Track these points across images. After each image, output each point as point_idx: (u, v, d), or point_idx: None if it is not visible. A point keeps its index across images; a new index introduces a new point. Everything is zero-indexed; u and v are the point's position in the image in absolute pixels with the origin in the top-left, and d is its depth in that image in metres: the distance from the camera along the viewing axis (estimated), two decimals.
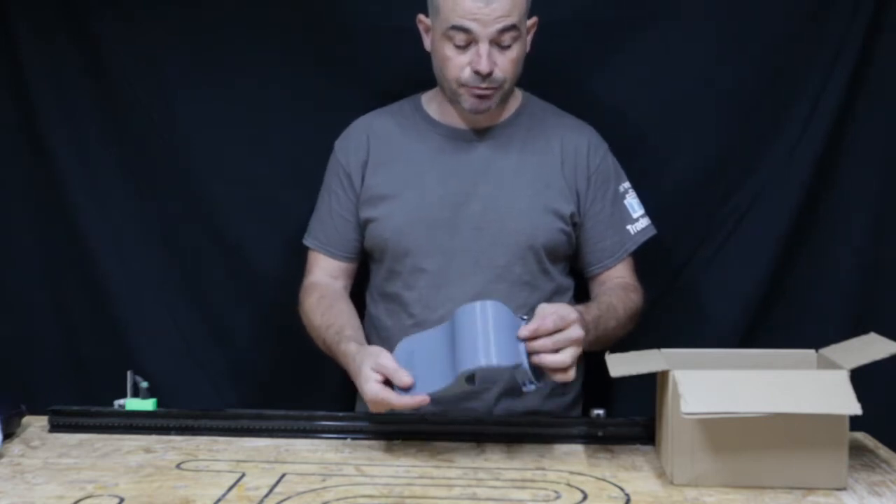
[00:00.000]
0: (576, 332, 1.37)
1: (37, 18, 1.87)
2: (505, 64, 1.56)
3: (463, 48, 1.55)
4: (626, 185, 1.72)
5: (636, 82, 1.84)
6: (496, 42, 1.54)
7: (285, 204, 1.86)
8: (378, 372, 1.37)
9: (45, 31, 1.87)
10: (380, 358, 1.38)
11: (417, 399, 1.34)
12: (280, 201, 1.88)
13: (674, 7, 1.82)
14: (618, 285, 1.67)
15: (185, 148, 1.90)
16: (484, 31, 1.52)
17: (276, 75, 1.88)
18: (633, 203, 1.71)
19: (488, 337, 1.31)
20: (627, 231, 1.70)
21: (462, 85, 1.57)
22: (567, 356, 1.35)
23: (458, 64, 1.56)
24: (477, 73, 1.54)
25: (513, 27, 1.54)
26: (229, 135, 1.89)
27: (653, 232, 1.72)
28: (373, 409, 1.40)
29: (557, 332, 1.35)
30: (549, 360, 1.34)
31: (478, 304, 1.34)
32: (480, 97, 1.58)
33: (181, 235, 1.93)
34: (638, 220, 1.71)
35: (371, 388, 1.36)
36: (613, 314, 1.58)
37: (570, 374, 1.36)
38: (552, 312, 1.36)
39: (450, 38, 1.55)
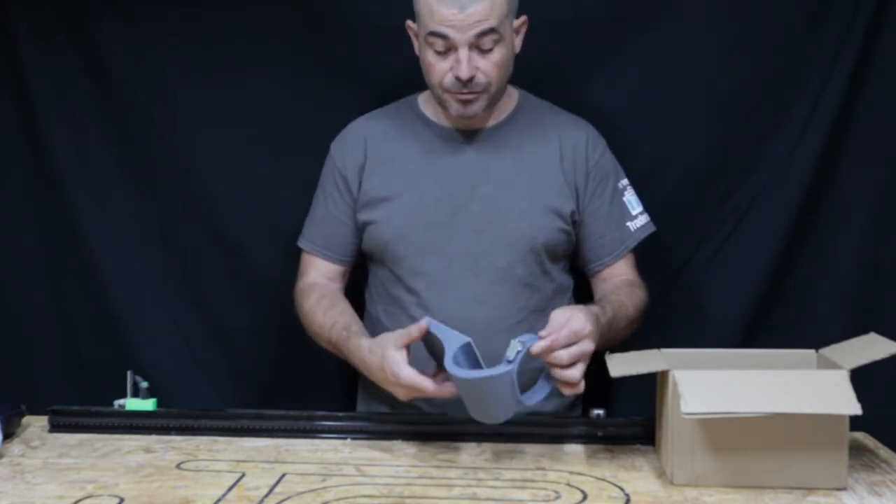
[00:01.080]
0: (588, 346, 1.37)
1: (37, 18, 1.87)
2: (488, 67, 1.55)
3: (443, 54, 1.54)
4: (625, 181, 1.71)
5: (637, 82, 1.84)
6: (476, 46, 1.53)
7: (285, 204, 1.86)
8: (401, 346, 1.38)
9: (45, 31, 1.88)
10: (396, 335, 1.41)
11: (449, 390, 1.36)
12: (280, 201, 1.88)
13: (674, 8, 1.81)
14: (624, 282, 1.67)
15: (185, 148, 1.90)
16: (461, 37, 1.51)
17: (276, 75, 1.88)
18: (631, 200, 1.71)
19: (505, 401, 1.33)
20: (627, 228, 1.69)
21: (446, 91, 1.57)
22: (578, 371, 1.35)
23: (440, 70, 1.56)
24: (458, 79, 1.54)
25: (491, 30, 1.52)
26: (229, 135, 1.89)
27: (652, 229, 1.72)
28: (403, 397, 1.41)
29: (571, 345, 1.35)
30: (561, 374, 1.35)
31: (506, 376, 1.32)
32: (465, 102, 1.57)
33: (181, 235, 1.93)
34: (637, 217, 1.70)
35: (407, 373, 1.38)
36: (625, 313, 1.58)
37: (580, 387, 1.37)
38: (565, 326, 1.36)
39: (430, 45, 1.55)
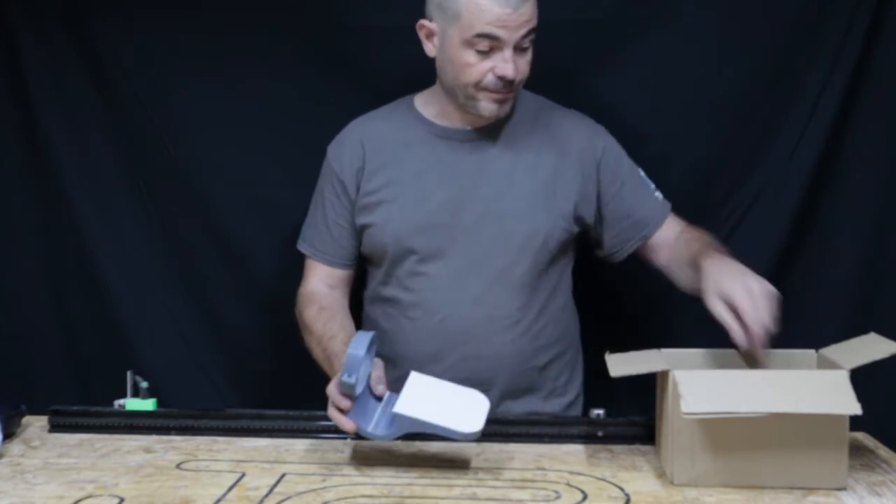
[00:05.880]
0: (764, 291, 1.38)
1: (37, 18, 1.87)
2: (523, 66, 1.56)
3: (485, 53, 1.53)
4: (633, 163, 1.70)
5: (636, 82, 1.84)
6: (518, 46, 1.53)
7: (285, 204, 1.86)
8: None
9: (45, 31, 1.88)
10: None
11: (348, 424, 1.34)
12: (279, 201, 1.88)
13: (674, 8, 1.81)
14: (686, 236, 1.64)
15: (184, 148, 1.90)
16: (511, 37, 1.51)
17: (276, 75, 1.88)
18: (646, 178, 1.69)
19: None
20: (656, 198, 1.68)
21: (482, 89, 1.55)
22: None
23: (479, 70, 1.54)
24: (501, 78, 1.53)
25: (533, 30, 1.53)
26: (229, 135, 1.90)
27: (669, 205, 1.69)
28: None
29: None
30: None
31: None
32: (500, 101, 1.56)
33: (181, 235, 1.93)
34: (657, 191, 1.69)
35: (328, 412, 1.37)
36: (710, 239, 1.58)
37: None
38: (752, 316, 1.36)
39: (472, 45, 1.52)
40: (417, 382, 1.39)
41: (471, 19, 1.51)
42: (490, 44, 1.51)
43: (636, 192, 1.67)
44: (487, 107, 1.57)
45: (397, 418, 1.32)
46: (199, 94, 1.89)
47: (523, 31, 1.51)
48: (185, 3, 1.87)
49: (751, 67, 1.81)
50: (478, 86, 1.55)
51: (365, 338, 1.35)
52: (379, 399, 1.39)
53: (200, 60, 1.89)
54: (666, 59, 1.82)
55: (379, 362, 1.42)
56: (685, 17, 1.81)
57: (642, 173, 1.69)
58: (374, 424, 1.35)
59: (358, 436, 1.40)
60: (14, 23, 1.88)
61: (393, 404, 1.34)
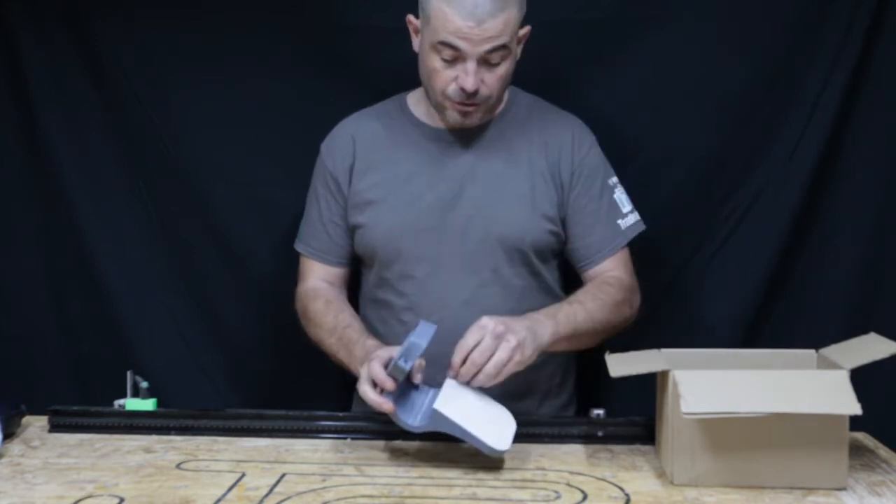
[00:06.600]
0: (490, 324, 1.38)
1: (37, 18, 1.87)
2: (492, 81, 1.54)
3: (450, 62, 1.52)
4: (615, 179, 1.69)
5: (636, 82, 1.83)
6: (485, 60, 1.51)
7: (284, 204, 1.86)
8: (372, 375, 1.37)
9: (45, 31, 1.88)
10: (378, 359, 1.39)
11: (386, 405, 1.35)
12: (279, 201, 1.88)
13: (674, 8, 1.81)
14: (595, 281, 1.64)
15: (184, 148, 1.90)
16: (473, 50, 1.50)
17: (276, 75, 1.88)
18: (622, 198, 1.68)
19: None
20: (618, 226, 1.66)
21: (447, 98, 1.55)
22: (498, 360, 1.37)
23: (444, 77, 1.54)
24: (462, 89, 1.52)
25: (503, 47, 1.51)
26: (229, 135, 1.89)
27: (642, 227, 1.70)
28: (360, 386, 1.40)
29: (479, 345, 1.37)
30: (484, 376, 1.37)
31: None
32: (463, 113, 1.56)
33: (181, 235, 1.93)
34: (628, 216, 1.68)
35: (375, 364, 1.38)
36: (582, 309, 1.55)
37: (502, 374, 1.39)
38: (460, 346, 1.38)
39: (437, 52, 1.52)
40: (456, 384, 1.40)
41: (436, 25, 1.51)
42: (453, 53, 1.51)
43: (597, 217, 1.65)
44: (452, 115, 1.57)
45: (435, 415, 1.32)
46: (199, 94, 1.89)
47: (487, 47, 1.49)
48: (185, 3, 1.87)
49: (751, 67, 1.81)
50: (443, 94, 1.55)
51: (429, 330, 1.37)
52: (413, 387, 1.41)
53: (200, 60, 1.89)
54: (666, 59, 1.82)
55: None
56: (685, 17, 1.81)
57: (617, 195, 1.67)
58: (413, 415, 1.36)
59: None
60: (14, 23, 1.88)
61: (431, 399, 1.36)
